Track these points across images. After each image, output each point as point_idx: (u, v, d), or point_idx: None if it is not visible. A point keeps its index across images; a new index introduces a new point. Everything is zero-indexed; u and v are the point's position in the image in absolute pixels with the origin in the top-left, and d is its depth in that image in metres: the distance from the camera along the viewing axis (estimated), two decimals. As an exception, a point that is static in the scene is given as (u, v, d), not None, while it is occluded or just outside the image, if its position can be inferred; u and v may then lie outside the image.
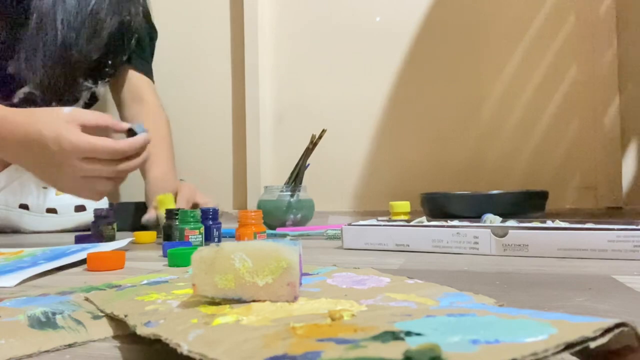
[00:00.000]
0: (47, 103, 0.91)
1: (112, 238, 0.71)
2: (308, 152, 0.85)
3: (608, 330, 0.16)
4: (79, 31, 0.87)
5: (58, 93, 0.91)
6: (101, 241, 0.67)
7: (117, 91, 1.03)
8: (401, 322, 0.19)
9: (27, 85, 0.89)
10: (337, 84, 1.21)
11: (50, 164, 0.62)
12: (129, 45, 0.96)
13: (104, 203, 1.00)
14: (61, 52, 0.87)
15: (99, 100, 1.03)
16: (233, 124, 1.29)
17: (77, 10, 0.86)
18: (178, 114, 1.32)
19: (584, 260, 0.45)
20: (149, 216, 0.79)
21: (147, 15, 1.03)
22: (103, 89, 1.01)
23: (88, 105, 1.01)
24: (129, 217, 0.93)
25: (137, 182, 1.33)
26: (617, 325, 0.16)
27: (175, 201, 0.79)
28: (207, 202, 0.84)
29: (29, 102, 0.90)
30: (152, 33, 1.07)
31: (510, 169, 1.09)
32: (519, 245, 0.49)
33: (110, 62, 0.95)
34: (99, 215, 0.72)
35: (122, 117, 1.03)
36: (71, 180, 0.63)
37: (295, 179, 0.86)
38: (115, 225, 0.73)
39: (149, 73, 1.06)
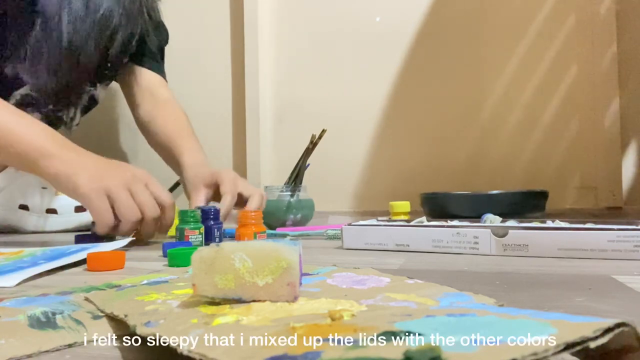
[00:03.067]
0: (44, 106, 0.91)
1: (111, 238, 0.71)
2: (308, 152, 0.85)
3: (608, 330, 0.16)
4: (86, 38, 0.86)
5: (61, 97, 0.91)
6: (101, 241, 0.67)
7: (129, 90, 1.03)
8: (401, 322, 0.19)
9: (25, 87, 0.88)
10: (337, 84, 1.21)
11: (107, 164, 0.67)
12: (131, 48, 0.96)
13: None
14: (67, 58, 0.86)
15: (98, 104, 1.02)
16: (233, 124, 1.29)
17: (84, 15, 0.84)
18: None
19: (584, 260, 0.45)
20: (197, 198, 0.78)
21: (154, 15, 1.02)
22: (103, 92, 1.01)
23: (87, 109, 1.01)
24: None
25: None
26: (617, 325, 0.16)
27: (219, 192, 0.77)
28: (252, 192, 0.77)
29: (25, 104, 0.90)
30: (161, 33, 1.06)
31: (510, 169, 1.09)
32: (519, 245, 0.49)
33: (109, 64, 0.95)
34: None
35: (136, 116, 1.03)
36: (115, 180, 0.63)
37: (295, 179, 0.86)
38: None
39: (160, 72, 1.06)
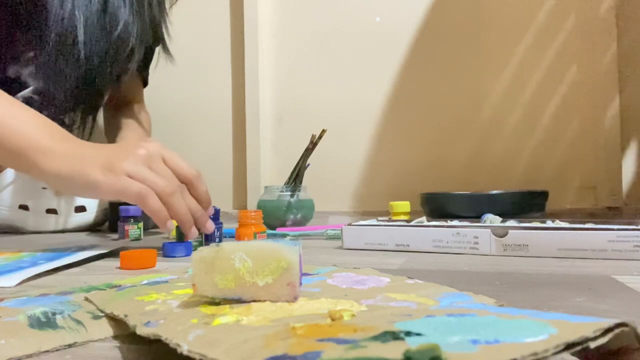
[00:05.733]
0: (45, 108, 0.91)
1: (137, 238, 0.71)
2: (308, 152, 0.85)
3: (608, 330, 0.16)
4: (103, 61, 0.86)
5: (66, 104, 0.91)
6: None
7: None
8: (401, 322, 0.19)
9: (28, 90, 0.88)
10: (337, 84, 1.21)
11: (113, 148, 0.56)
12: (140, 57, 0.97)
13: (104, 203, 1.00)
14: (83, 80, 0.86)
15: (100, 107, 1.03)
16: (233, 124, 1.29)
17: (100, 34, 0.84)
18: (178, 114, 1.32)
19: (584, 260, 0.45)
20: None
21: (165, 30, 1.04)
22: (106, 96, 1.01)
23: (89, 110, 1.01)
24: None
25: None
26: (617, 325, 0.16)
27: None
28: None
29: (27, 105, 0.90)
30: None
31: (510, 169, 1.09)
32: (519, 245, 0.49)
33: (122, 77, 0.96)
34: (125, 214, 0.72)
35: (105, 118, 1.07)
36: (128, 161, 0.53)
37: (295, 179, 0.86)
38: (141, 225, 0.73)
39: (146, 75, 1.09)
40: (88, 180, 0.52)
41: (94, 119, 1.02)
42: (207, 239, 0.65)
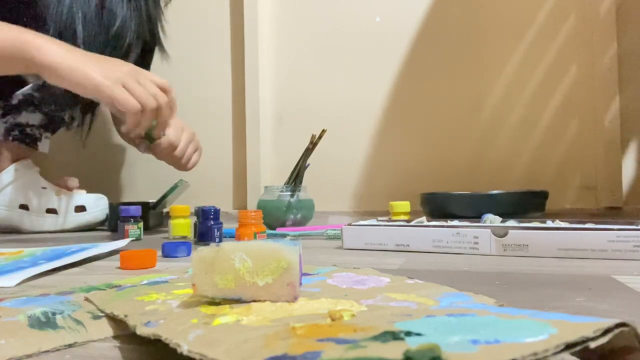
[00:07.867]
0: (46, 106, 0.91)
1: (137, 237, 0.72)
2: (308, 152, 0.85)
3: (608, 330, 0.16)
4: (101, 53, 0.85)
5: (64, 99, 0.90)
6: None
7: None
8: (401, 322, 0.19)
9: (28, 87, 0.88)
10: (337, 84, 1.21)
11: (100, 58, 0.71)
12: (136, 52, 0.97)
13: (104, 203, 1.00)
14: None
15: (99, 104, 1.03)
16: (233, 124, 1.29)
17: (99, 29, 0.84)
18: (178, 113, 1.32)
19: (584, 260, 0.45)
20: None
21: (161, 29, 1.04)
22: None
23: (88, 107, 1.01)
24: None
25: (139, 182, 1.33)
26: (617, 325, 0.16)
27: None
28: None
29: (27, 103, 0.90)
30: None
31: (510, 169, 1.09)
32: (519, 245, 0.49)
33: None
34: (125, 214, 0.72)
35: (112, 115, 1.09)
36: (122, 72, 0.68)
37: (295, 179, 0.86)
38: (141, 225, 0.73)
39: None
40: (87, 76, 0.65)
41: (93, 116, 1.02)
42: (207, 238, 0.65)
